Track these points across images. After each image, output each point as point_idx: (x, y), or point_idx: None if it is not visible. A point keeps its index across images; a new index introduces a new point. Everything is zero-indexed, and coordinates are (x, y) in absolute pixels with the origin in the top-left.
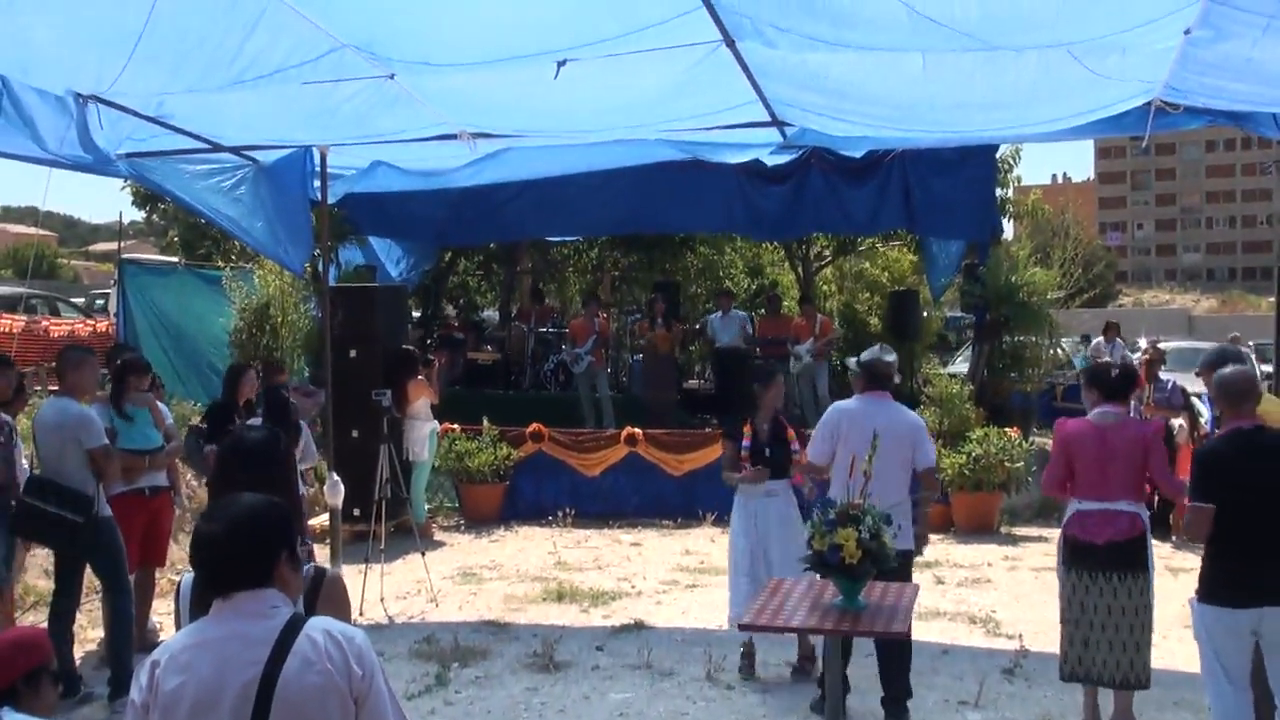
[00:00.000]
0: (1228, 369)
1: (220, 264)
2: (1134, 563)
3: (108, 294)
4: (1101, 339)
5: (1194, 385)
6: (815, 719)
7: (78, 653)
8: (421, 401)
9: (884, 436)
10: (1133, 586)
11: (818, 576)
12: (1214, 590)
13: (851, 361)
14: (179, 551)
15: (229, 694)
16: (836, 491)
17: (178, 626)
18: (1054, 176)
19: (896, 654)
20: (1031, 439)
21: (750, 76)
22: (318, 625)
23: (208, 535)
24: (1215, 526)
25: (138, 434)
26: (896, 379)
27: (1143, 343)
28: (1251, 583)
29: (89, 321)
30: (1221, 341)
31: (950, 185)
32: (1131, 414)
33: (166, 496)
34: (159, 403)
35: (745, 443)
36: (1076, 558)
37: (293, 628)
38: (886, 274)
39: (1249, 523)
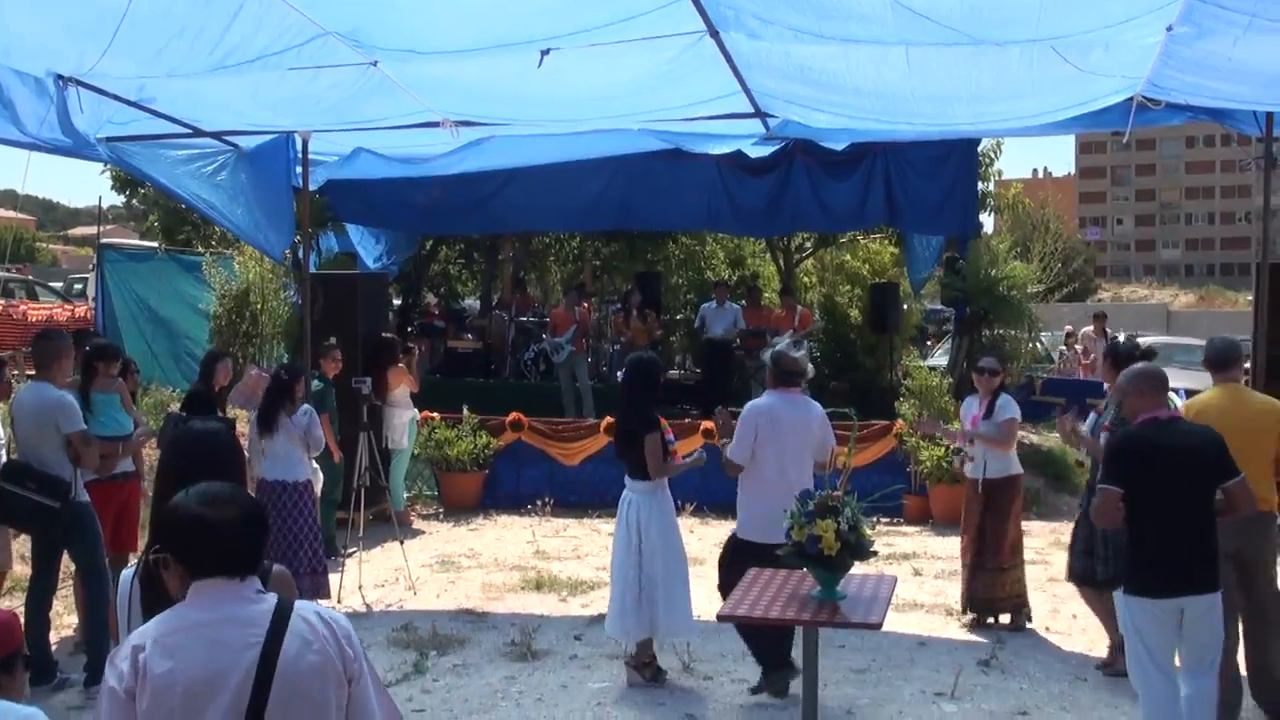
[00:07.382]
0: (1138, 364)
1: (200, 249)
2: None
3: (86, 279)
4: (1090, 329)
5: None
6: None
7: (53, 638)
8: (401, 389)
9: (795, 432)
10: None
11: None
12: (1139, 581)
13: (765, 355)
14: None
15: (229, 676)
16: (757, 486)
17: (122, 621)
18: (1034, 171)
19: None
20: None
21: (734, 67)
22: (308, 608)
23: (219, 521)
24: (1135, 516)
25: (110, 420)
26: (810, 373)
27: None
28: (1173, 572)
29: (67, 306)
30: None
31: (932, 181)
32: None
33: (135, 482)
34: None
35: (668, 436)
36: None
37: (284, 610)
38: (867, 266)
39: (1165, 511)
